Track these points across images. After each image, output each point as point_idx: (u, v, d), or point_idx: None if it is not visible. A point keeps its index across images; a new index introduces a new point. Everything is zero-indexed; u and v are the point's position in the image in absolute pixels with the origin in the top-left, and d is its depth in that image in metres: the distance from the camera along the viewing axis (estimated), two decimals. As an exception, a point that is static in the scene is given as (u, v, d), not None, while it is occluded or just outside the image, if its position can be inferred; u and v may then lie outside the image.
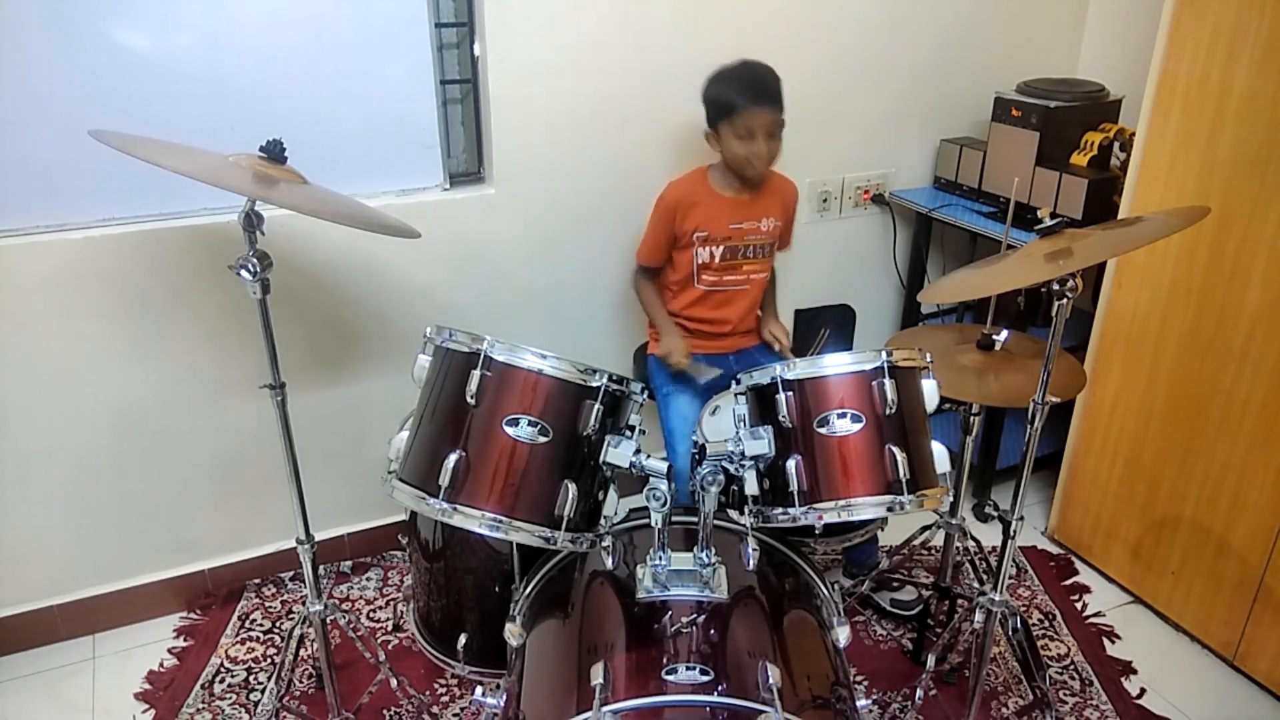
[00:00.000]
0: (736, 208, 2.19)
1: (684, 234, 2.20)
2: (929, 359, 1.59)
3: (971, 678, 1.82)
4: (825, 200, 2.71)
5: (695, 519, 1.48)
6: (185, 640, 2.23)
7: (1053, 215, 1.54)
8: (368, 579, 2.45)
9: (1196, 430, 2.16)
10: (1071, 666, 2.18)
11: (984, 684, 1.91)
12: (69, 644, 2.22)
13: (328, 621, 1.80)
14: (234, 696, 2.06)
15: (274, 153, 1.56)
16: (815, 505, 1.49)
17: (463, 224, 2.29)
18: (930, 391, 1.57)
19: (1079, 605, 2.38)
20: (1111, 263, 2.31)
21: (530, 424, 1.44)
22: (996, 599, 1.73)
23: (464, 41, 2.25)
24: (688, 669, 1.30)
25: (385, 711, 2.01)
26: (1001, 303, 2.01)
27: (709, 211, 2.18)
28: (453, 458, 1.42)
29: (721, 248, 2.19)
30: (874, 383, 1.50)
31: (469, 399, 1.43)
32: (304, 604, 1.79)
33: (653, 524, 1.46)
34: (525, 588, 1.62)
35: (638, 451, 1.49)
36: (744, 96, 2.05)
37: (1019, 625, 1.78)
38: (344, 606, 2.28)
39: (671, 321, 2.27)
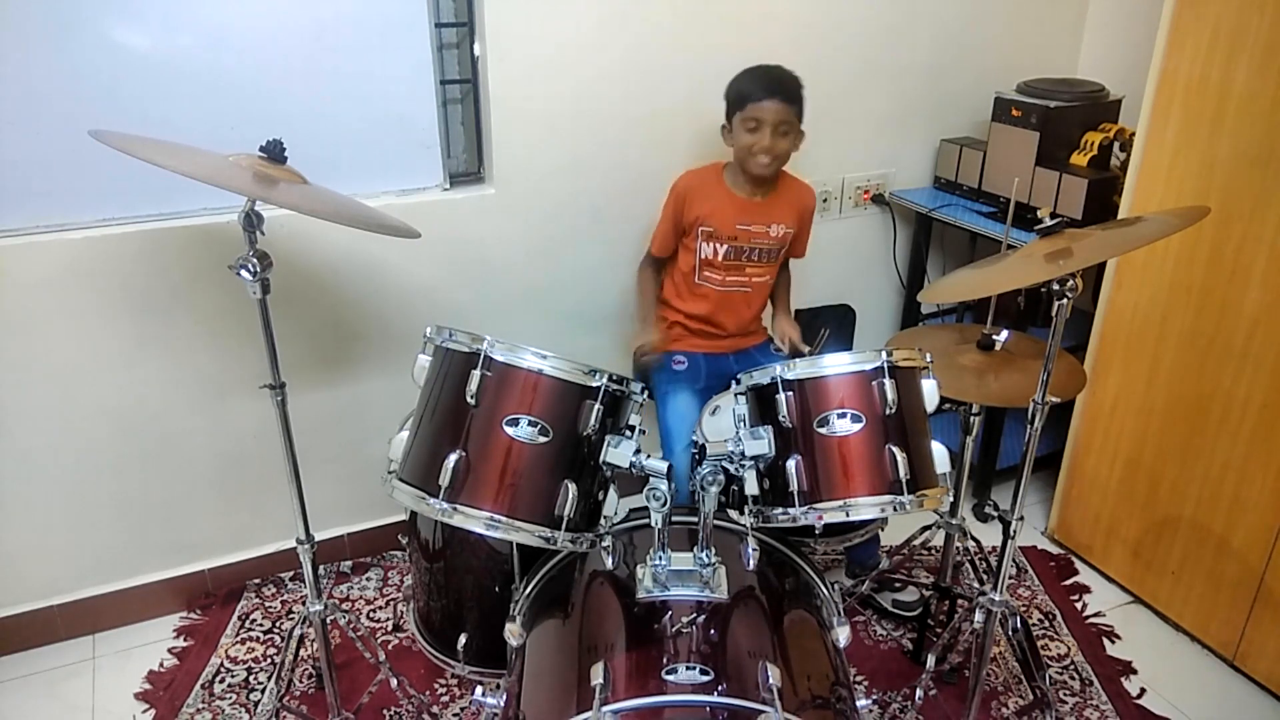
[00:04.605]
0: (746, 209, 2.19)
1: (689, 224, 2.19)
2: (929, 359, 1.59)
3: (971, 678, 1.82)
4: (825, 200, 2.71)
5: (695, 519, 1.48)
6: (185, 640, 2.23)
7: (1053, 215, 1.54)
8: (368, 579, 2.45)
9: (1196, 430, 2.16)
10: (1071, 666, 2.18)
11: (984, 684, 1.91)
12: (69, 644, 2.22)
13: (328, 621, 1.80)
14: (234, 696, 2.06)
15: (274, 153, 1.56)
16: (815, 505, 1.49)
17: (463, 224, 2.29)
18: (930, 391, 1.57)
19: (1079, 605, 2.38)
20: (1111, 263, 2.31)
21: (530, 424, 1.44)
22: (996, 599, 1.73)
23: (464, 41, 2.25)
24: (688, 669, 1.30)
25: (385, 711, 2.01)
26: (1001, 303, 2.01)
27: (717, 207, 2.18)
28: (453, 458, 1.42)
29: (726, 246, 2.19)
30: (874, 383, 1.50)
31: (469, 399, 1.43)
32: (304, 604, 1.79)
33: (653, 524, 1.46)
34: (525, 588, 1.62)
35: (638, 451, 1.49)
36: (758, 88, 2.08)
37: (1019, 625, 1.79)
38: (344, 606, 2.28)
39: (655, 315, 2.28)
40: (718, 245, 2.19)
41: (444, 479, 1.42)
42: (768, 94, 2.07)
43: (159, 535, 2.26)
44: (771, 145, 2.08)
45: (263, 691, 2.07)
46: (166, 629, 2.27)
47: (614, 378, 1.47)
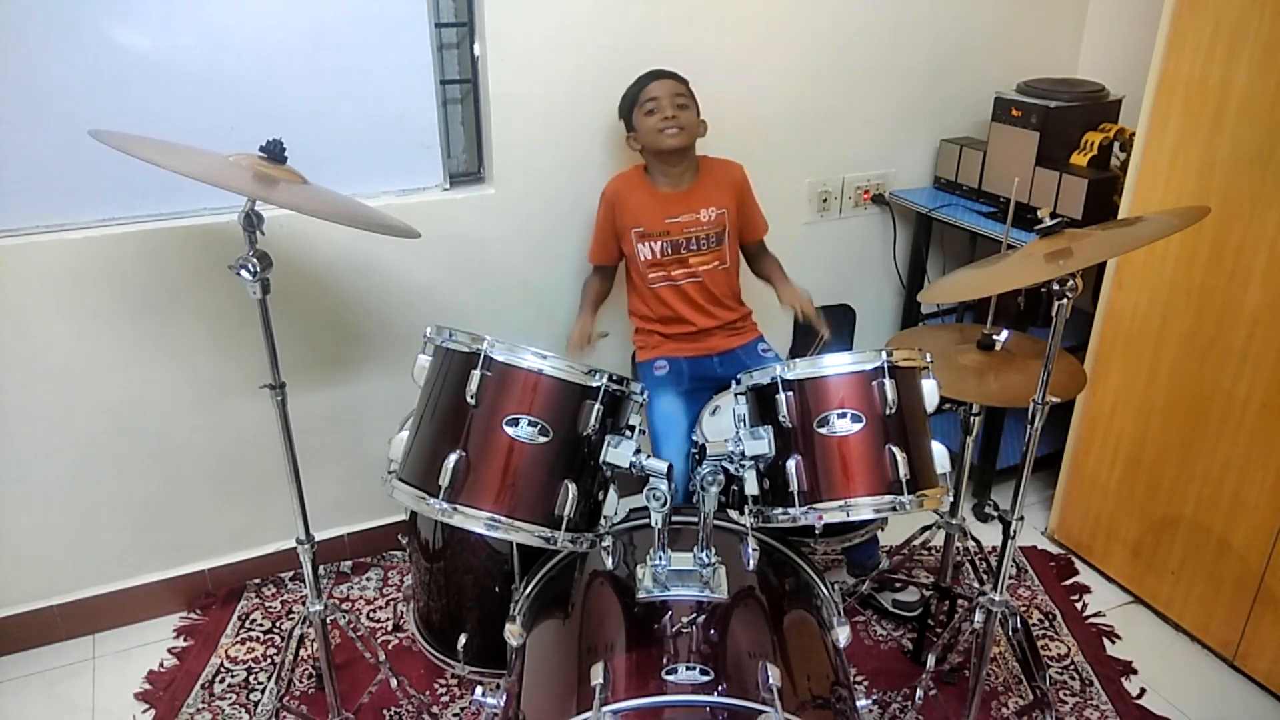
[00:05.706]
0: (670, 202, 2.20)
1: (623, 230, 2.22)
2: (929, 359, 1.59)
3: (971, 678, 1.82)
4: (825, 200, 2.71)
5: (695, 519, 1.48)
6: (185, 640, 2.23)
7: (1053, 215, 1.54)
8: (368, 579, 2.45)
9: (1196, 430, 2.16)
10: (1071, 666, 2.18)
11: (984, 684, 1.91)
12: (69, 644, 2.22)
13: (328, 621, 1.80)
14: (234, 696, 2.06)
15: (274, 153, 1.56)
16: (815, 505, 1.49)
17: (463, 224, 2.29)
18: (930, 391, 1.57)
19: (1079, 605, 2.38)
20: (1111, 263, 2.31)
21: (530, 424, 1.44)
22: (996, 599, 1.73)
23: (464, 41, 2.25)
24: (688, 669, 1.30)
25: (385, 711, 2.01)
26: (1001, 303, 2.01)
27: (643, 207, 2.20)
28: (453, 458, 1.42)
29: (660, 243, 2.20)
30: (874, 383, 1.50)
31: (469, 399, 1.43)
32: (304, 604, 1.79)
33: (653, 524, 1.46)
34: (525, 588, 1.62)
35: (638, 451, 1.49)
36: (644, 79, 2.19)
37: (1019, 625, 1.79)
38: (344, 606, 2.28)
39: (588, 312, 2.30)
40: (653, 244, 2.20)
41: (444, 479, 1.42)
42: (654, 78, 2.17)
43: (159, 535, 2.26)
44: (674, 114, 2.12)
45: (263, 691, 2.07)
46: (166, 629, 2.27)
47: (614, 378, 1.47)
